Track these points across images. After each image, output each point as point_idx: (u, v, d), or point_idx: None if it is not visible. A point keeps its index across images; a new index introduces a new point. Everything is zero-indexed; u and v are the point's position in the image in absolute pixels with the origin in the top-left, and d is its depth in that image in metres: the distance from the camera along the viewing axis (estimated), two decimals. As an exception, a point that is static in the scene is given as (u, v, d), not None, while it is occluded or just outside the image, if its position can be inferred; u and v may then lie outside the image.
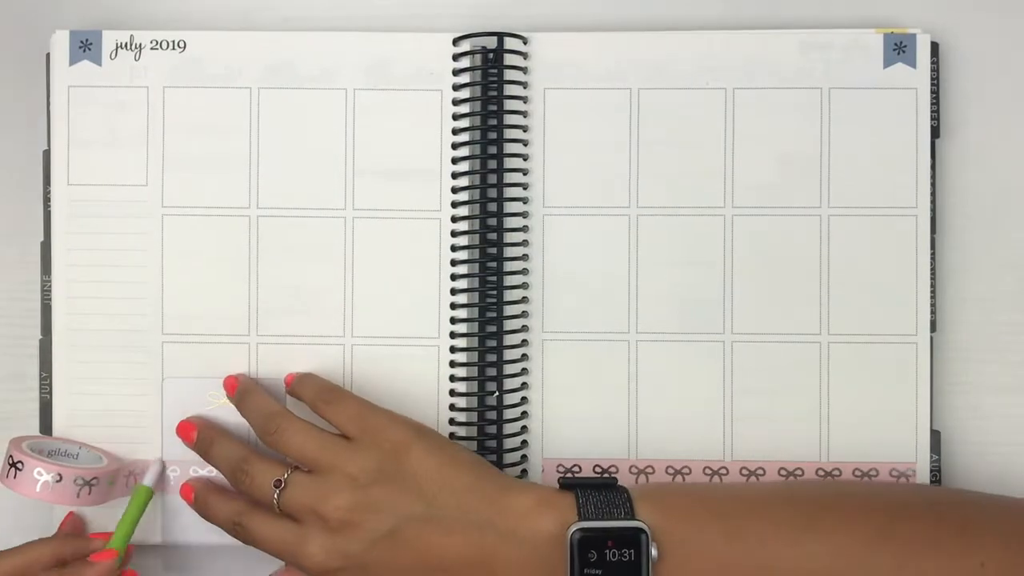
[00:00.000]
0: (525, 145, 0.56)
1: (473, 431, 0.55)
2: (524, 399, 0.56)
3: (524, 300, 0.56)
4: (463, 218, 0.56)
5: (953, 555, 0.47)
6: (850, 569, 0.47)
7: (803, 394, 0.56)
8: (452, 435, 0.55)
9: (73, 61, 0.56)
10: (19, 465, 0.52)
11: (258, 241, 0.56)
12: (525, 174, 0.56)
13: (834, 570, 0.47)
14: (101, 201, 0.56)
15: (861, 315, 0.56)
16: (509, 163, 0.56)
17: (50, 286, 0.56)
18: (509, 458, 0.56)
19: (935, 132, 0.56)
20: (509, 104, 0.56)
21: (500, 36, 0.56)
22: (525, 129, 0.56)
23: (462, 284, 0.56)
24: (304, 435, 0.51)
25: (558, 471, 0.56)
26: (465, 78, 0.56)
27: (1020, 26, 0.57)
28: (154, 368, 0.56)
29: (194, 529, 0.55)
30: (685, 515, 0.49)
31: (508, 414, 0.56)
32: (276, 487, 0.51)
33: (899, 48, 0.56)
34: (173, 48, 0.56)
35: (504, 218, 0.56)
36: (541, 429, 0.56)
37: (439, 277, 0.56)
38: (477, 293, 0.56)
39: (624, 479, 0.55)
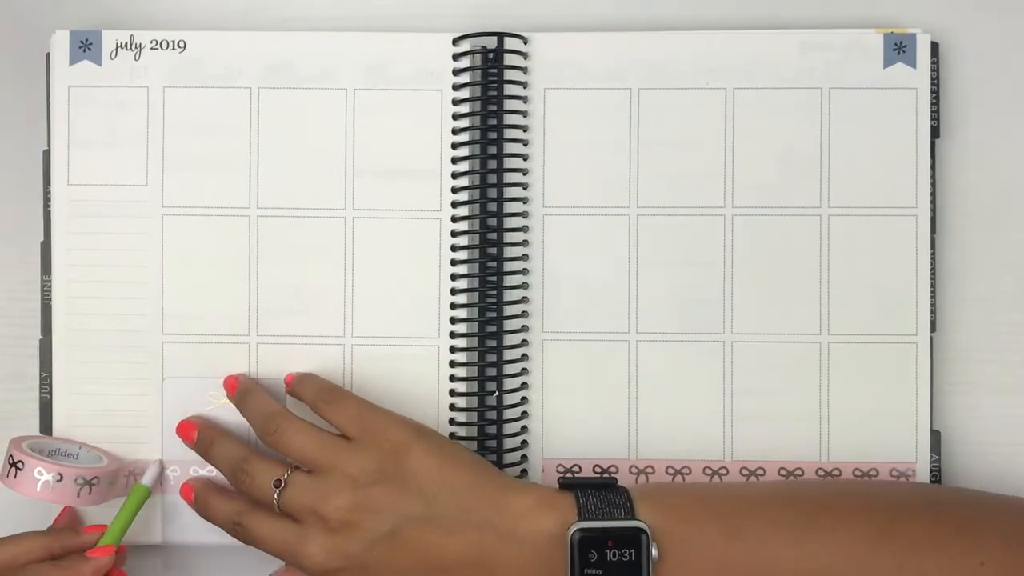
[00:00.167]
0: (525, 145, 0.56)
1: (473, 431, 0.55)
2: (524, 399, 0.56)
3: (524, 300, 0.56)
4: (463, 218, 0.56)
5: (953, 555, 0.47)
6: (850, 569, 0.47)
7: (803, 394, 0.56)
8: (452, 435, 0.55)
9: (73, 61, 0.56)
10: (19, 465, 0.52)
11: (258, 241, 0.56)
12: (525, 174, 0.56)
13: (834, 570, 0.47)
14: (101, 201, 0.56)
15: (861, 315, 0.56)
16: (509, 163, 0.56)
17: (50, 286, 0.56)
18: (509, 458, 0.56)
19: (935, 132, 0.56)
20: (509, 104, 0.56)
21: (500, 36, 0.56)
22: (525, 129, 0.56)
23: (462, 284, 0.56)
24: (304, 435, 0.51)
25: (558, 471, 0.56)
26: (465, 78, 0.56)
27: (1020, 26, 0.57)
28: (154, 368, 0.56)
29: (194, 529, 0.55)
30: (685, 515, 0.49)
31: (508, 414, 0.56)
32: (276, 487, 0.51)
33: (899, 48, 0.56)
34: (173, 48, 0.56)
35: (504, 218, 0.56)
36: (541, 429, 0.56)
37: (439, 277, 0.56)
38: (477, 293, 0.56)
39: (624, 479, 0.55)
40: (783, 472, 0.56)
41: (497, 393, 0.56)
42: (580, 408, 0.56)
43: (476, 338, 0.55)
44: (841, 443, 0.55)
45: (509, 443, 0.56)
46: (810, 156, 0.56)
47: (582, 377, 0.56)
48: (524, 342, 0.56)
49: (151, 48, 0.56)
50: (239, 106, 0.56)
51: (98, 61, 0.56)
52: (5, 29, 0.58)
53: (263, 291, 0.56)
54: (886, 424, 0.55)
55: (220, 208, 0.56)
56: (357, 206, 0.56)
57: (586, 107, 0.56)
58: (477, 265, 0.56)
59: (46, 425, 0.56)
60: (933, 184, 0.56)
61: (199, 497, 0.54)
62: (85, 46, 0.56)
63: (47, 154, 0.57)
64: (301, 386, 0.54)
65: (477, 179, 0.56)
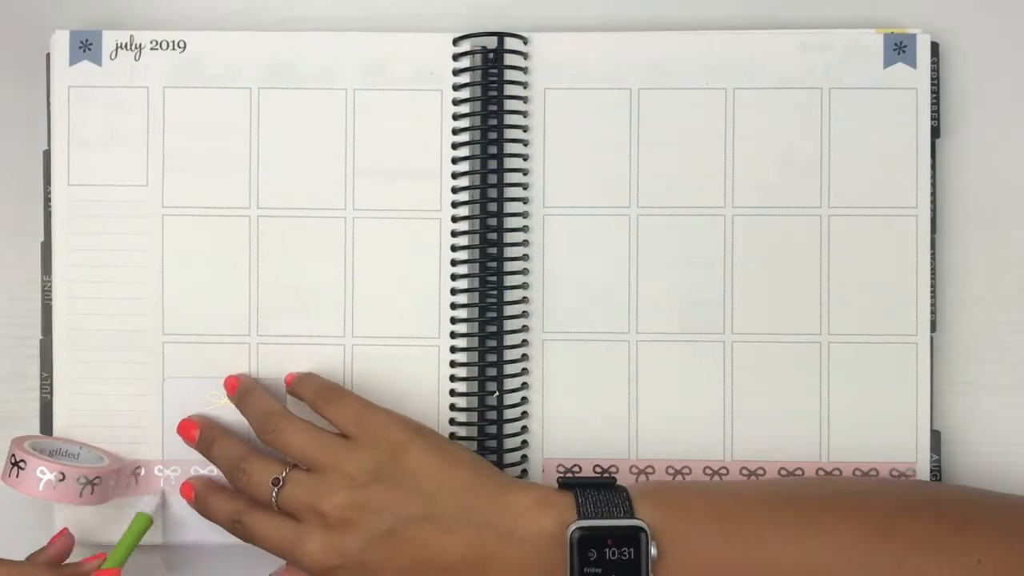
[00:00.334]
0: (525, 145, 0.56)
1: (473, 431, 0.56)
2: (524, 399, 0.56)
3: (524, 300, 0.56)
4: (463, 218, 0.56)
5: (953, 553, 0.47)
6: (850, 567, 0.47)
7: (803, 394, 0.56)
8: (452, 435, 0.56)
9: (73, 61, 0.56)
10: (22, 464, 0.52)
11: (258, 241, 0.56)
12: (525, 174, 0.56)
13: (834, 568, 0.47)
14: (101, 201, 0.56)
15: (861, 315, 0.56)
16: (509, 163, 0.56)
17: (50, 286, 0.56)
18: (509, 458, 0.56)
19: (935, 132, 0.56)
20: (509, 104, 0.56)
21: (500, 36, 0.56)
22: (525, 129, 0.56)
23: (462, 284, 0.56)
24: (304, 434, 0.51)
25: (558, 471, 0.56)
26: (465, 78, 0.56)
27: (1020, 26, 0.57)
28: (154, 368, 0.56)
29: (194, 529, 0.55)
30: (684, 513, 0.49)
31: (508, 414, 0.56)
32: (274, 485, 0.51)
33: (899, 48, 0.56)
34: (173, 48, 0.56)
35: (504, 218, 0.56)
36: (541, 429, 0.56)
37: (439, 277, 0.56)
38: (477, 293, 0.56)
39: (624, 479, 0.55)
40: (783, 472, 0.56)
41: (497, 393, 0.56)
42: (580, 408, 0.56)
43: (476, 338, 0.56)
44: (841, 443, 0.55)
45: (509, 443, 0.56)
46: (810, 156, 0.56)
47: (582, 377, 0.56)
48: (524, 342, 0.56)
49: (151, 48, 0.56)
50: (239, 106, 0.56)
51: (98, 61, 0.56)
52: (5, 29, 0.58)
53: (263, 291, 0.56)
54: (886, 424, 0.55)
55: (220, 208, 0.56)
56: (357, 206, 0.56)
57: (586, 107, 0.56)
58: (477, 265, 0.56)
59: (46, 425, 0.56)
60: (933, 184, 0.56)
61: (199, 496, 0.54)
62: (85, 46, 0.56)
63: (47, 154, 0.57)
64: (301, 385, 0.54)
65: (477, 179, 0.56)
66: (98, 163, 0.56)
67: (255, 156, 0.56)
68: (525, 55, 0.56)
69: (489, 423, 0.56)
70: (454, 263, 0.56)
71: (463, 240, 0.56)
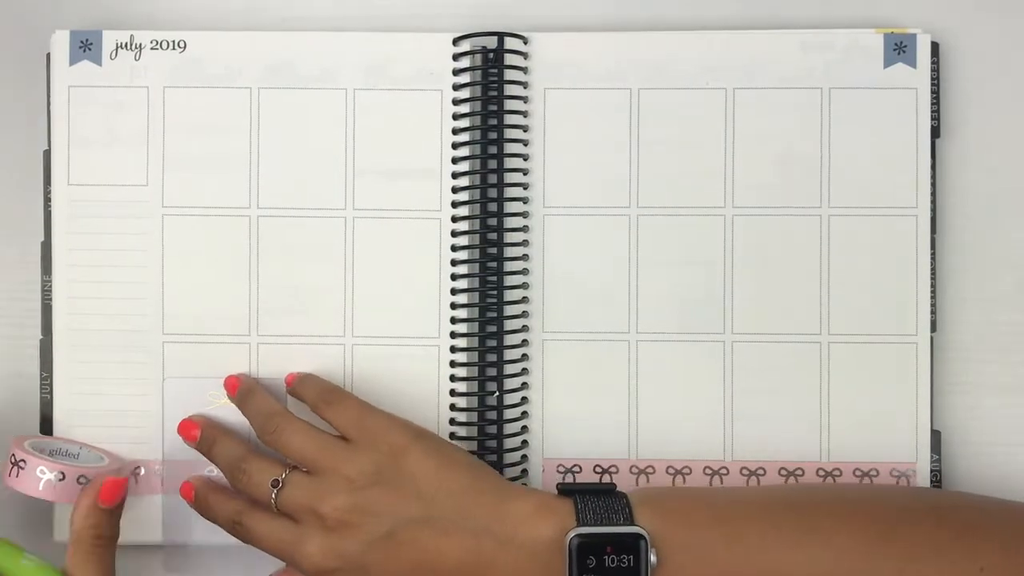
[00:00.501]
0: (525, 145, 0.56)
1: (473, 431, 0.56)
2: (524, 399, 0.56)
3: (524, 300, 0.56)
4: (463, 218, 0.56)
5: (954, 559, 0.47)
6: (851, 573, 0.47)
7: (803, 394, 0.56)
8: (452, 435, 0.56)
9: (73, 61, 0.56)
10: (22, 464, 0.52)
11: (258, 241, 0.56)
12: (525, 174, 0.56)
13: (835, 574, 0.47)
14: (101, 201, 0.56)
15: (861, 315, 0.56)
16: (509, 163, 0.56)
17: (50, 286, 0.56)
18: (509, 458, 0.56)
19: (935, 132, 0.56)
20: (509, 104, 0.56)
21: (500, 36, 0.56)
22: (525, 129, 0.56)
23: (462, 284, 0.56)
24: (303, 436, 0.51)
25: (558, 471, 0.56)
26: (465, 78, 0.56)
27: (1020, 26, 0.57)
28: (154, 368, 0.56)
29: (194, 529, 0.55)
30: (684, 520, 0.49)
31: (508, 414, 0.56)
32: (274, 487, 0.51)
33: (899, 48, 0.56)
34: (173, 48, 0.56)
35: (504, 218, 0.56)
36: (541, 429, 0.56)
37: (439, 277, 0.56)
38: (477, 293, 0.56)
39: (624, 479, 0.55)
40: (783, 472, 0.56)
41: (497, 393, 0.56)
42: (580, 408, 0.56)
43: (476, 338, 0.56)
44: (841, 443, 0.55)
45: (509, 443, 0.56)
46: (810, 156, 0.56)
47: (582, 377, 0.56)
48: (524, 342, 0.56)
49: (151, 48, 0.56)
50: (239, 106, 0.56)
51: (98, 61, 0.56)
52: (5, 29, 0.58)
53: (263, 291, 0.56)
54: (886, 424, 0.55)
55: (220, 208, 0.56)
56: (357, 206, 0.56)
57: (586, 107, 0.56)
58: (477, 265, 0.56)
59: (46, 425, 0.56)
60: (933, 184, 0.56)
61: (199, 496, 0.54)
62: (85, 46, 0.56)
63: (47, 154, 0.57)
64: (302, 386, 0.54)
65: (477, 179, 0.56)
66: (98, 163, 0.56)
67: (255, 156, 0.56)
68: (525, 55, 0.56)
69: (489, 423, 0.56)
70: (454, 263, 0.56)
71: (463, 240, 0.56)
